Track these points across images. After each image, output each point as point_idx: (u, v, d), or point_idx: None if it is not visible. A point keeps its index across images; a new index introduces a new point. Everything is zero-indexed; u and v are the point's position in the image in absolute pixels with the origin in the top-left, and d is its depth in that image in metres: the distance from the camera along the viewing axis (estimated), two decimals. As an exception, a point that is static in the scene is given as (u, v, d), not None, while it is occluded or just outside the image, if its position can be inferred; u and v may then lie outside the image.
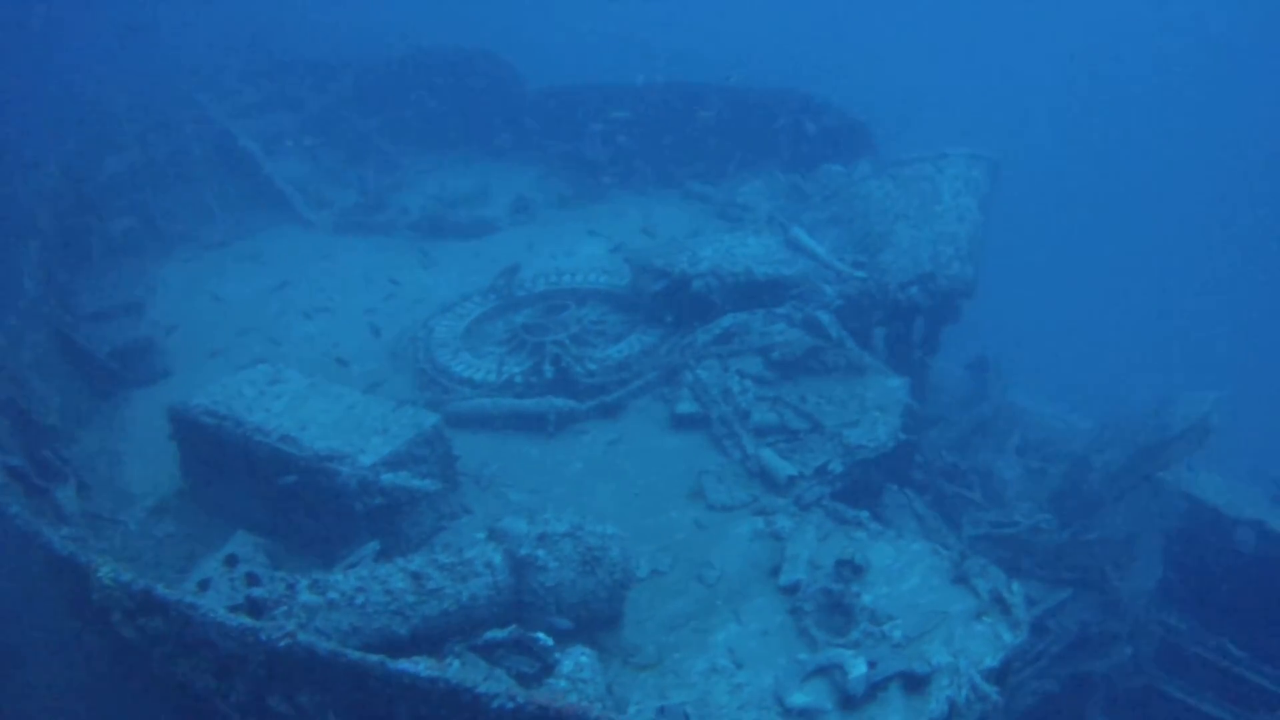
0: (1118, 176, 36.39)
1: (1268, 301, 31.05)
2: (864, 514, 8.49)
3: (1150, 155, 37.13)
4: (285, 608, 6.44)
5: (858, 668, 6.73)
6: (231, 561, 7.73)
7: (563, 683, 6.42)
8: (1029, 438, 13.22)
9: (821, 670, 6.88)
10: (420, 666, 5.66)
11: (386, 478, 7.98)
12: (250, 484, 8.26)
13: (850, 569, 7.76)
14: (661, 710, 6.63)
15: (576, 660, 6.59)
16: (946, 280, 10.93)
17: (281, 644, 5.79)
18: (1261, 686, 10.91)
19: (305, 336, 11.35)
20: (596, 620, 7.36)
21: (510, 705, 5.44)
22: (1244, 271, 32.60)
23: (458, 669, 6.41)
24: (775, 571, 7.98)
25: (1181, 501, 10.96)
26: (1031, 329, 24.63)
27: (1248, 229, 34.71)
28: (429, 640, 6.87)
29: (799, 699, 6.71)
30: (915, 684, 6.76)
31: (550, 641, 6.75)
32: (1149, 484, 11.02)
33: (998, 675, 7.05)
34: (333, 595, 6.60)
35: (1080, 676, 10.57)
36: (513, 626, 6.84)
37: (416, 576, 6.90)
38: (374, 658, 5.68)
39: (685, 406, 9.80)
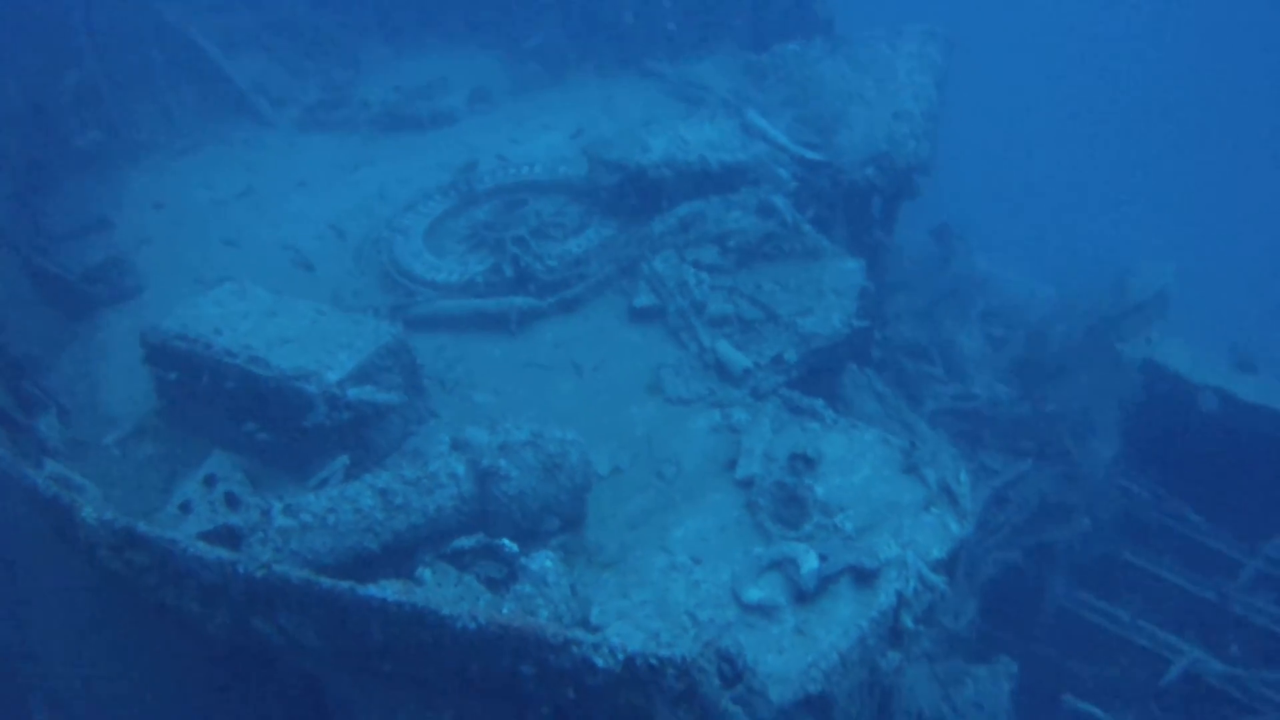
0: (1077, 44, 36.05)
1: (1228, 168, 31.11)
2: (819, 403, 8.72)
3: (1113, 19, 36.75)
4: (261, 534, 6.77)
5: (809, 562, 7.03)
6: (210, 481, 8.05)
7: (528, 587, 6.77)
8: (992, 304, 13.50)
9: (775, 565, 7.19)
10: (388, 591, 5.99)
11: (353, 392, 8.21)
12: (224, 404, 8.52)
13: (803, 462, 8.03)
14: None
15: (541, 564, 6.90)
16: (903, 159, 11.12)
17: (258, 575, 6.13)
18: (1220, 552, 11.33)
19: (272, 241, 11.42)
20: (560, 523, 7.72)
21: (473, 626, 5.78)
22: (1209, 136, 32.58)
23: (429, 579, 6.80)
24: (732, 465, 8.24)
25: (1140, 373, 11.24)
26: (996, 198, 24.76)
27: (1211, 93, 34.55)
28: (400, 552, 7.23)
29: (754, 595, 7.03)
30: (865, 577, 7.07)
31: (515, 548, 7.07)
32: (1108, 355, 11.30)
33: (945, 566, 7.40)
34: (305, 518, 6.92)
35: (1042, 546, 10.96)
36: (479, 535, 7.15)
37: (384, 493, 7.21)
38: (344, 585, 6.01)
39: (643, 300, 9.97)
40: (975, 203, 21.16)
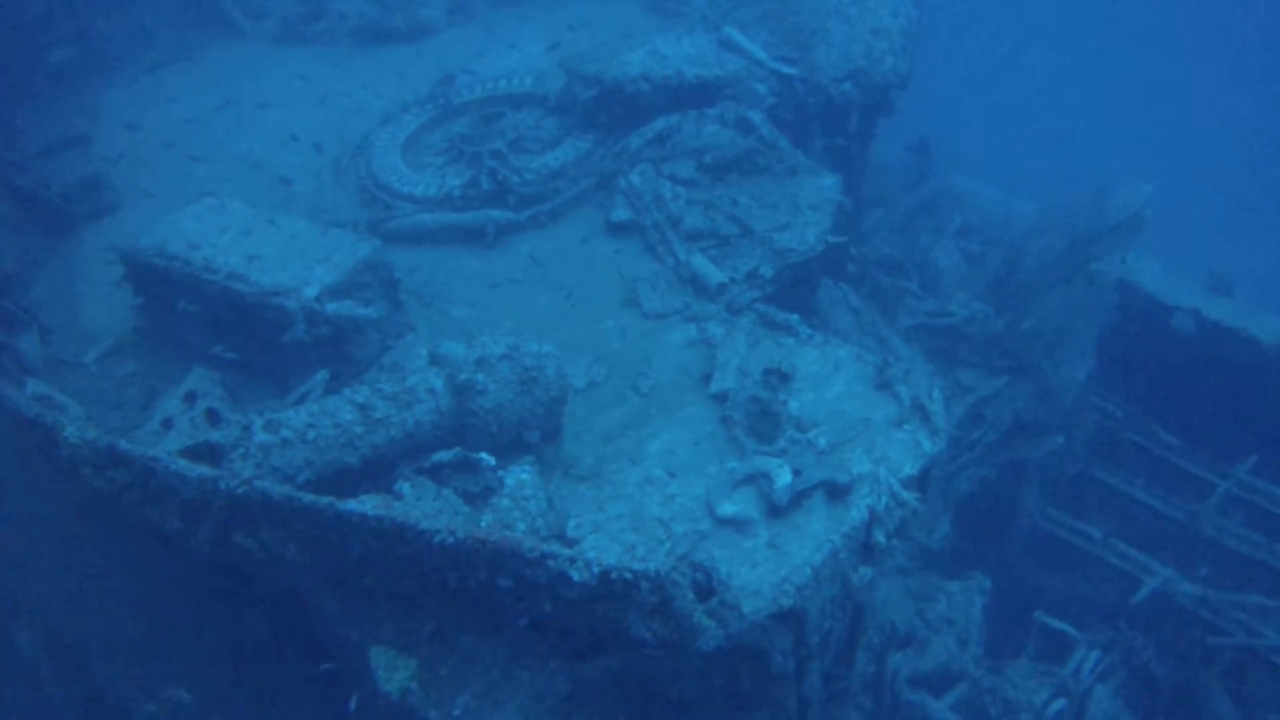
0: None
1: (1206, 88, 31.01)
2: (794, 318, 8.79)
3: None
4: (242, 449, 6.83)
5: (783, 477, 7.14)
6: (190, 398, 8.11)
7: (505, 501, 6.88)
8: (969, 220, 13.49)
9: (749, 479, 7.30)
10: (367, 505, 6.12)
11: (331, 307, 8.26)
12: (204, 320, 8.56)
13: (777, 376, 8.10)
14: None
15: (518, 477, 7.05)
16: (880, 75, 11.11)
17: (239, 491, 6.22)
18: (1191, 473, 11.47)
19: (249, 155, 11.38)
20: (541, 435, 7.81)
21: (451, 540, 5.91)
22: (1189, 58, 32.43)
23: (408, 492, 6.89)
24: (707, 379, 8.33)
25: (1116, 293, 11.30)
26: (974, 115, 24.69)
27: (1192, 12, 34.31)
28: (379, 466, 7.31)
29: (728, 509, 7.15)
30: (838, 493, 7.19)
31: (493, 461, 7.20)
32: (1084, 275, 11.36)
33: (917, 483, 7.52)
34: (286, 433, 6.98)
35: (1016, 463, 11.11)
36: (457, 449, 7.25)
37: (363, 408, 7.28)
38: (324, 500, 6.12)
39: (619, 214, 9.99)
40: (954, 119, 21.10)
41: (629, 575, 5.71)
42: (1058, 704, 9.54)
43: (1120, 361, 11.63)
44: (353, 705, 6.89)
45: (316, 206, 10.45)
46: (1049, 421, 11.05)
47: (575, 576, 5.78)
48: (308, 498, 6.17)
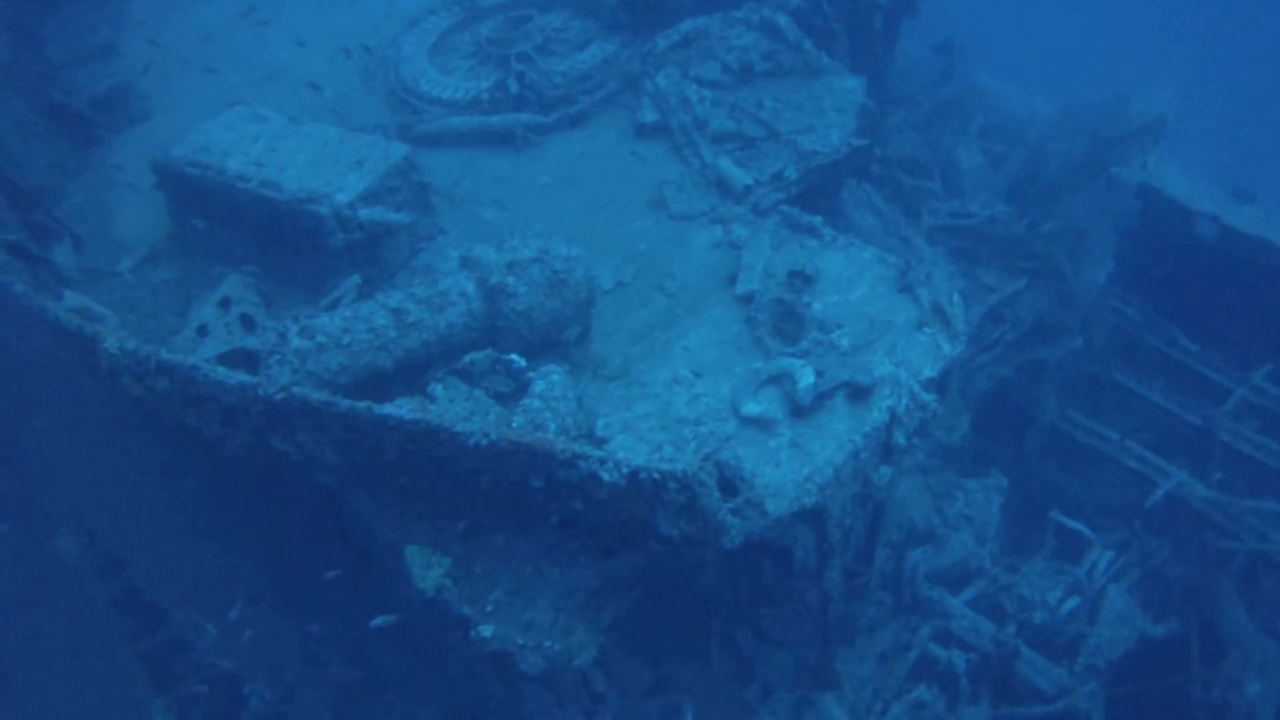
0: None
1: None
2: (818, 220, 8.87)
3: None
4: (279, 355, 7.03)
5: (806, 377, 7.28)
6: (225, 304, 8.29)
7: (536, 401, 7.05)
8: (991, 120, 13.51)
9: (773, 379, 7.45)
10: (404, 409, 6.29)
11: (363, 213, 8.41)
12: (237, 226, 8.72)
13: (801, 279, 8.25)
14: None
15: (548, 378, 7.21)
16: (903, -25, 11.10)
17: (278, 397, 6.40)
18: (1208, 378, 11.55)
19: (277, 61, 11.41)
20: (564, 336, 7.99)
21: (484, 442, 6.09)
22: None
23: (440, 394, 7.07)
24: (733, 280, 8.47)
25: (1137, 197, 11.31)
26: (999, 13, 24.40)
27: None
28: (412, 368, 7.50)
29: (753, 408, 7.30)
30: (859, 394, 7.33)
31: (523, 362, 7.36)
32: (1105, 178, 11.36)
33: (937, 385, 7.66)
34: (320, 339, 7.17)
35: (1035, 363, 11.20)
36: (489, 350, 7.42)
37: (396, 312, 7.46)
38: (361, 405, 6.30)
39: (646, 115, 10.05)
40: (978, 18, 20.92)
41: (657, 475, 5.88)
42: (1072, 602, 9.75)
43: (1140, 264, 11.66)
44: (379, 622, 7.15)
45: (345, 111, 10.52)
46: (1068, 323, 11.14)
47: (605, 477, 5.96)
48: (345, 403, 6.34)
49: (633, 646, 7.96)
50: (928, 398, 7.45)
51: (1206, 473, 11.02)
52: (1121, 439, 11.15)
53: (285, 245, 8.58)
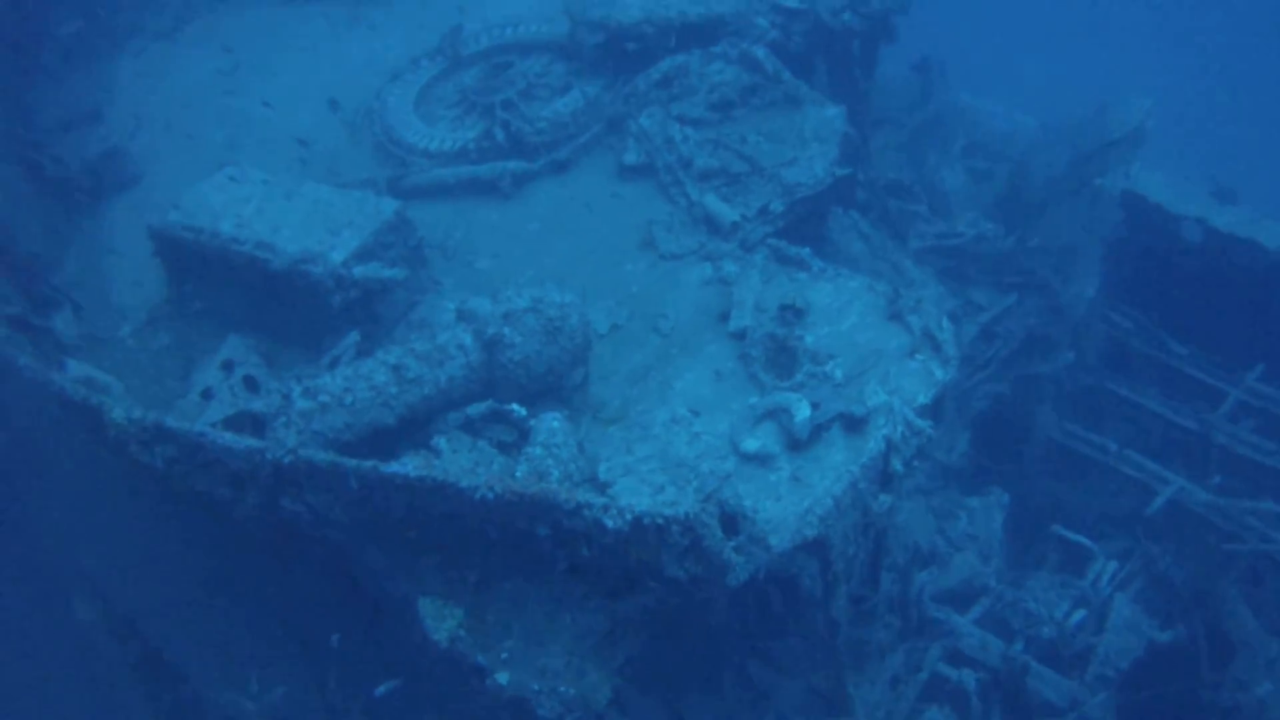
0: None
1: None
2: (806, 251, 8.97)
3: None
4: (284, 418, 7.13)
5: (802, 411, 7.38)
6: (228, 366, 8.39)
7: (538, 449, 7.17)
8: (975, 138, 13.63)
9: (770, 414, 7.55)
10: (409, 466, 6.40)
11: (358, 270, 8.52)
12: (235, 289, 8.83)
13: (793, 312, 8.32)
14: None
15: (549, 426, 7.32)
16: (879, 2, 11.23)
17: (286, 460, 6.52)
18: (1202, 382, 11.62)
19: (265, 119, 11.49)
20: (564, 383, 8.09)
21: (490, 495, 6.20)
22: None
23: (445, 447, 7.20)
24: (725, 316, 8.57)
25: (1122, 205, 11.41)
26: (976, 30, 24.53)
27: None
28: (415, 423, 7.60)
29: (751, 445, 7.39)
30: (855, 424, 7.43)
31: (524, 411, 7.50)
32: (1088, 190, 11.48)
33: (931, 411, 7.77)
34: (324, 398, 7.27)
35: (1029, 378, 11.30)
36: (489, 401, 7.56)
37: (396, 368, 7.55)
38: (368, 464, 6.42)
39: (631, 157, 10.19)
40: (955, 37, 21.05)
41: (660, 520, 5.99)
42: (1078, 614, 9.82)
43: (1128, 272, 11.75)
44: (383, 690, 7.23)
45: (334, 166, 10.64)
46: (1060, 336, 11.23)
47: (609, 524, 6.07)
48: (352, 463, 6.46)
49: (647, 684, 8.02)
50: (922, 424, 7.54)
51: (1205, 477, 11.06)
52: (1120, 448, 11.21)
53: (282, 305, 8.68)
